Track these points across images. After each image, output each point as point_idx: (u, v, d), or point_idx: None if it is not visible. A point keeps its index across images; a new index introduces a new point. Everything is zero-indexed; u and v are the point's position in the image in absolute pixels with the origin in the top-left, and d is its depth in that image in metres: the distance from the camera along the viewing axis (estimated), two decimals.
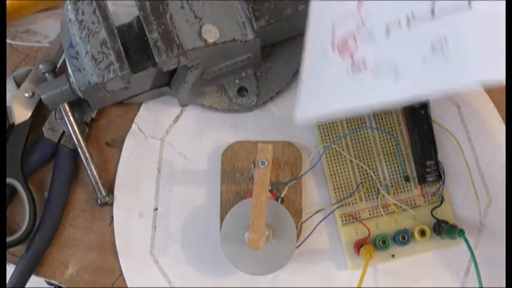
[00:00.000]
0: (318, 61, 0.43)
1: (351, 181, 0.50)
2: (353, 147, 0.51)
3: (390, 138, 0.51)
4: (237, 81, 0.51)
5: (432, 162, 0.49)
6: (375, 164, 0.50)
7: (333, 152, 0.50)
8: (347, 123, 0.51)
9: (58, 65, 0.51)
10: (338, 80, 0.42)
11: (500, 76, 0.36)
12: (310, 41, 0.42)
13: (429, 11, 0.39)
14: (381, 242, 0.48)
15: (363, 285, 0.46)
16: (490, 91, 0.51)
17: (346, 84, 0.41)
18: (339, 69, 0.41)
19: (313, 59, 0.43)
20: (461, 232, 0.47)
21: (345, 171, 0.50)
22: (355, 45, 0.41)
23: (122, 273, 0.50)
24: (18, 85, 0.51)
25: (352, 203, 0.50)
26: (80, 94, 0.47)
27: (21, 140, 0.50)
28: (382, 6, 0.41)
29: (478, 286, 0.45)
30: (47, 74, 0.50)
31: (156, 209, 0.50)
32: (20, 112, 0.50)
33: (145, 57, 0.46)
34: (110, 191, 0.50)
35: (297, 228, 0.47)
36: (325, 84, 0.42)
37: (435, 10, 0.38)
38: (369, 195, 0.50)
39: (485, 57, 0.37)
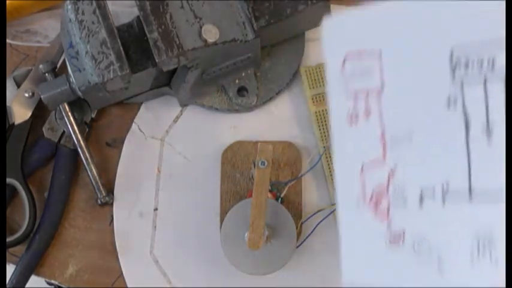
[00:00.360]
0: (352, 214, 0.38)
1: None
2: None
3: None
4: (237, 81, 0.51)
5: None
6: None
7: None
8: None
9: (58, 65, 0.51)
10: (376, 247, 0.37)
11: None
12: (341, 191, 0.38)
13: (467, 191, 0.34)
14: None
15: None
16: None
17: (385, 255, 0.37)
18: (375, 231, 0.37)
19: (347, 212, 0.38)
20: None
21: None
22: (387, 206, 0.37)
23: (121, 273, 0.50)
24: (18, 85, 0.51)
25: None
26: (80, 94, 0.47)
27: (21, 140, 0.50)
28: (413, 168, 0.36)
29: None
30: (47, 74, 0.50)
31: (156, 209, 0.50)
32: (20, 112, 0.50)
33: (145, 57, 0.46)
34: (110, 191, 0.50)
35: (297, 228, 0.47)
36: (364, 248, 0.38)
37: (472, 192, 0.34)
38: None
39: None
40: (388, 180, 0.37)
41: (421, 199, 0.36)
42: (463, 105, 0.34)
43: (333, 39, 0.38)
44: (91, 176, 0.50)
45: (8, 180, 0.49)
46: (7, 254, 0.50)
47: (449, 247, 0.35)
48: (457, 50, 0.34)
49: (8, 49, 0.53)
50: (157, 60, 0.44)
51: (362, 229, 0.38)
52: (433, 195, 0.35)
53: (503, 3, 0.32)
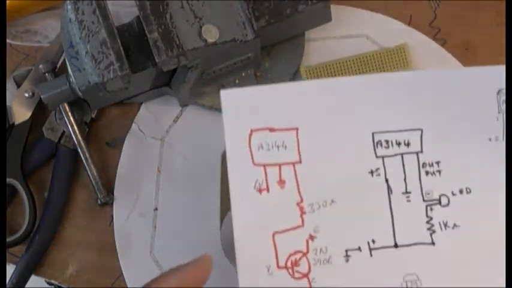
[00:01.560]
0: (260, 282, 0.39)
1: None
2: None
3: None
4: (237, 81, 0.51)
5: None
6: None
7: None
8: None
9: (58, 65, 0.51)
10: None
11: None
12: (243, 257, 0.39)
13: (392, 245, 0.40)
14: None
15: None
16: None
17: None
18: None
19: (253, 280, 0.39)
20: None
21: None
22: (308, 267, 0.40)
23: (121, 273, 0.50)
24: (18, 85, 0.51)
25: None
26: (80, 94, 0.47)
27: (21, 140, 0.50)
28: (336, 230, 0.40)
29: None
30: (47, 74, 0.50)
31: (156, 209, 0.50)
32: (20, 112, 0.51)
33: (145, 57, 0.46)
34: (110, 191, 0.50)
35: None
36: None
37: (397, 242, 0.40)
38: None
39: None
40: (307, 244, 0.40)
41: (347, 255, 0.40)
42: (385, 174, 0.40)
43: (236, 113, 0.40)
44: (91, 176, 0.50)
45: (8, 180, 0.49)
46: (7, 254, 0.50)
47: None
48: (378, 135, 0.40)
49: (8, 49, 0.53)
50: (157, 60, 0.44)
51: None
52: (359, 250, 0.40)
53: (425, 99, 0.40)
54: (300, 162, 0.40)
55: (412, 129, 0.41)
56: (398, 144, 0.40)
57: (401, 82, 0.41)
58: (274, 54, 0.51)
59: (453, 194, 0.40)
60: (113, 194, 0.51)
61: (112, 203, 0.50)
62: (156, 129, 0.52)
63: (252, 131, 0.40)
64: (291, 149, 0.40)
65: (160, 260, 0.50)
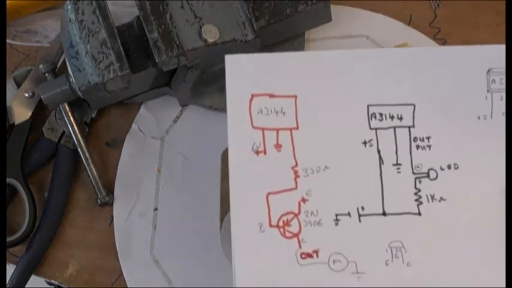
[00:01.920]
0: (252, 238, 0.41)
1: None
2: None
3: None
4: None
5: None
6: None
7: None
8: None
9: (58, 65, 0.51)
10: (283, 264, 0.41)
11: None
12: (237, 214, 0.41)
13: (381, 213, 0.41)
14: None
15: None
16: None
17: (294, 271, 0.40)
18: (284, 250, 0.41)
19: (245, 236, 0.41)
20: None
21: None
22: (298, 228, 0.41)
23: (121, 273, 0.50)
24: (18, 85, 0.51)
25: None
26: (80, 94, 0.47)
27: (21, 140, 0.50)
28: (328, 195, 0.42)
29: None
30: (47, 74, 0.50)
31: (156, 209, 0.50)
32: (20, 112, 0.51)
33: (145, 57, 0.46)
34: (110, 191, 0.50)
35: None
36: (267, 268, 0.41)
37: (385, 210, 0.41)
38: None
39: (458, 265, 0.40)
40: (299, 206, 0.41)
41: (337, 220, 0.41)
42: (377, 146, 0.42)
43: (239, 77, 0.42)
44: (91, 176, 0.50)
45: (8, 180, 0.49)
46: (7, 254, 0.50)
47: (365, 255, 0.40)
48: (372, 108, 0.42)
49: (8, 49, 0.53)
50: (157, 60, 0.44)
51: (266, 250, 0.40)
52: (348, 216, 0.41)
53: (418, 75, 0.42)
54: (297, 128, 0.42)
55: (405, 104, 0.42)
56: (392, 117, 0.42)
57: (397, 58, 0.43)
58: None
59: (441, 169, 0.42)
60: (113, 194, 0.51)
61: (112, 203, 0.50)
62: (156, 129, 0.52)
63: (252, 95, 0.42)
64: (289, 116, 0.42)
65: (160, 260, 0.50)
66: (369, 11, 0.53)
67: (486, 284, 0.40)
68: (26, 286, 0.49)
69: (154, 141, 0.52)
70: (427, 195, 0.41)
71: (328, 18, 0.51)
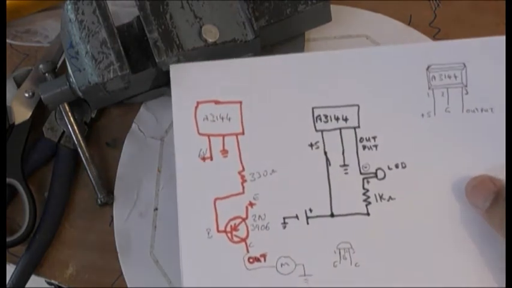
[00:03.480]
0: (199, 242, 0.42)
1: None
2: None
3: None
4: None
5: None
6: None
7: None
8: None
9: (58, 65, 0.51)
10: (231, 268, 0.41)
11: None
12: (184, 220, 0.41)
13: (329, 214, 0.42)
14: None
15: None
16: None
17: (242, 275, 0.41)
18: (231, 255, 0.41)
19: (193, 242, 0.42)
20: None
21: None
22: (246, 232, 0.42)
23: (121, 273, 0.50)
24: (18, 85, 0.51)
25: None
26: (80, 94, 0.47)
27: (21, 140, 0.50)
28: (275, 199, 0.42)
29: None
30: (47, 74, 0.50)
31: (156, 209, 0.50)
32: (20, 112, 0.50)
33: (145, 57, 0.46)
34: (110, 191, 0.50)
35: None
36: (214, 272, 0.41)
37: (334, 212, 0.42)
38: None
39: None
40: (247, 210, 0.42)
41: (285, 223, 0.42)
42: (324, 147, 0.42)
43: (184, 85, 0.43)
44: (91, 176, 0.50)
45: (8, 180, 0.49)
46: (7, 254, 0.50)
47: (313, 258, 0.41)
48: (317, 110, 0.43)
49: (8, 49, 0.53)
50: (157, 60, 0.44)
51: (214, 255, 0.41)
52: (296, 218, 0.42)
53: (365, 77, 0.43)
54: (243, 133, 0.43)
55: (349, 105, 0.43)
56: (337, 119, 0.43)
57: (339, 60, 0.43)
58: (274, 54, 0.51)
59: (389, 168, 0.42)
60: (113, 194, 0.50)
61: (112, 203, 0.50)
62: (156, 129, 0.52)
63: (198, 102, 0.43)
64: (235, 121, 0.43)
65: (160, 260, 0.50)
66: (369, 11, 0.53)
67: (435, 283, 0.41)
68: (26, 286, 0.49)
69: (154, 141, 0.52)
70: (375, 195, 0.42)
71: (328, 18, 0.51)
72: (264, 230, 0.41)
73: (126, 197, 0.51)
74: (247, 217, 0.42)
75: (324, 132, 0.43)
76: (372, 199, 0.42)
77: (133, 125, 0.52)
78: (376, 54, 0.43)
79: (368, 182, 0.42)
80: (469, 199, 0.41)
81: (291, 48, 0.51)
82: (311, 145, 0.42)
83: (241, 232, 0.41)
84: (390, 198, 0.42)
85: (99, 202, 0.50)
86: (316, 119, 0.43)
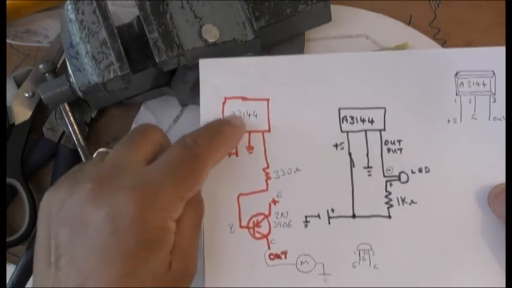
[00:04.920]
0: (222, 238, 0.42)
1: None
2: None
3: None
4: None
5: None
6: None
7: None
8: None
9: (58, 65, 0.51)
10: (252, 265, 0.41)
11: None
12: (208, 215, 0.41)
13: (351, 215, 0.42)
14: None
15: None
16: None
17: (263, 272, 0.41)
18: (252, 251, 0.42)
19: (216, 237, 0.42)
20: None
21: None
22: (268, 229, 0.42)
23: None
24: (18, 85, 0.51)
25: None
26: (80, 94, 0.47)
27: (21, 140, 0.50)
28: (298, 197, 0.42)
29: None
30: (47, 74, 0.50)
31: None
32: (20, 112, 0.50)
33: (145, 57, 0.46)
34: None
35: None
36: (236, 267, 0.41)
37: (355, 213, 0.42)
38: None
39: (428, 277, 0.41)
40: (270, 207, 0.42)
41: (306, 222, 0.42)
42: (349, 148, 0.42)
43: (213, 81, 0.43)
44: None
45: (8, 180, 0.49)
46: (7, 254, 0.50)
47: (333, 258, 0.41)
48: (344, 111, 0.43)
49: (8, 49, 0.53)
50: (157, 60, 0.44)
51: (235, 250, 0.41)
52: (318, 217, 0.42)
53: (387, 82, 0.43)
54: (269, 131, 0.43)
55: (376, 108, 0.43)
56: (363, 120, 0.43)
57: (368, 61, 0.43)
58: (274, 54, 0.51)
59: (412, 172, 0.42)
60: None
61: None
62: None
63: (226, 98, 0.43)
64: (262, 118, 0.43)
65: None
66: (369, 11, 0.53)
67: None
68: (26, 286, 0.49)
69: None
70: (397, 198, 0.42)
71: (328, 18, 0.51)
72: (286, 228, 0.42)
73: None
74: (270, 214, 0.42)
75: (350, 134, 0.43)
76: (394, 202, 0.42)
77: (133, 125, 0.52)
78: (405, 58, 0.43)
79: (391, 184, 0.42)
80: (491, 207, 0.41)
81: (290, 48, 0.51)
82: (336, 145, 0.43)
83: (264, 228, 0.42)
84: (412, 202, 0.42)
85: None
86: (342, 119, 0.43)
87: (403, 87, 0.43)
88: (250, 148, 0.43)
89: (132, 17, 0.48)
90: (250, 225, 0.42)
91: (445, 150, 0.42)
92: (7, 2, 0.51)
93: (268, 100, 0.43)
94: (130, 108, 0.52)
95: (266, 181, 0.42)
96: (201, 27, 0.45)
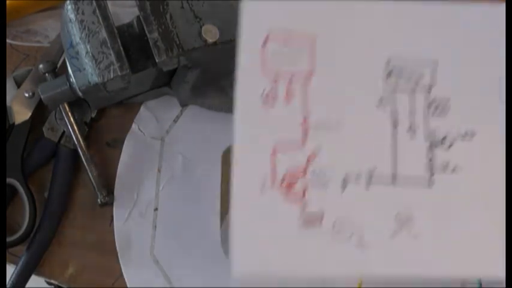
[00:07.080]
0: (252, 199, 0.38)
1: None
2: None
3: None
4: None
5: None
6: None
7: None
8: None
9: (58, 65, 0.51)
10: (283, 230, 0.38)
11: (495, 272, 0.37)
12: (239, 171, 0.38)
13: (391, 176, 0.39)
14: None
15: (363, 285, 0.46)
16: None
17: (295, 239, 0.38)
18: (285, 214, 0.38)
19: (246, 196, 0.38)
20: None
21: None
22: (303, 189, 0.39)
23: (121, 273, 0.50)
24: (18, 85, 0.51)
25: None
26: (80, 94, 0.47)
27: (21, 140, 0.50)
28: (337, 153, 0.39)
29: None
30: (47, 74, 0.50)
31: (156, 209, 0.50)
32: (20, 112, 0.50)
33: (145, 57, 0.46)
34: (110, 191, 0.50)
35: None
36: (265, 232, 0.38)
37: (395, 178, 0.39)
38: None
39: (470, 248, 0.38)
40: (307, 163, 0.38)
41: (344, 183, 0.38)
42: (392, 107, 0.39)
43: (255, 14, 0.39)
44: (91, 176, 0.50)
45: (8, 180, 0.49)
46: (7, 254, 0.50)
47: (370, 225, 0.38)
48: (394, 60, 0.39)
49: (8, 49, 0.53)
50: (157, 60, 0.44)
51: (265, 213, 0.38)
52: (357, 179, 0.39)
53: (444, 28, 0.40)
54: (312, 74, 0.39)
55: (427, 60, 0.40)
56: (410, 76, 0.40)
57: (422, 11, 0.40)
58: None
59: (457, 137, 0.40)
60: (113, 194, 0.51)
61: (112, 203, 0.50)
62: (156, 129, 0.52)
63: (267, 37, 0.39)
64: (306, 58, 0.39)
65: (160, 260, 0.50)
66: None
67: (494, 262, 0.38)
68: (26, 286, 0.49)
69: (154, 141, 0.52)
70: (440, 164, 0.39)
71: None
72: (321, 189, 0.38)
73: (126, 197, 0.51)
74: (306, 173, 0.39)
75: (396, 88, 0.40)
76: (435, 168, 0.39)
77: (134, 125, 0.52)
78: (462, 11, 0.40)
79: (434, 149, 0.39)
80: None
81: None
82: (380, 101, 0.39)
83: (298, 189, 0.38)
84: (455, 168, 0.39)
85: (99, 202, 0.50)
86: (389, 73, 0.40)
87: (456, 42, 0.40)
88: (289, 94, 0.39)
89: (132, 17, 0.48)
90: (284, 184, 0.38)
91: (492, 113, 0.40)
92: (7, 2, 0.51)
93: (315, 37, 0.39)
94: (130, 108, 0.52)
95: (304, 133, 0.39)
96: (201, 27, 0.45)
